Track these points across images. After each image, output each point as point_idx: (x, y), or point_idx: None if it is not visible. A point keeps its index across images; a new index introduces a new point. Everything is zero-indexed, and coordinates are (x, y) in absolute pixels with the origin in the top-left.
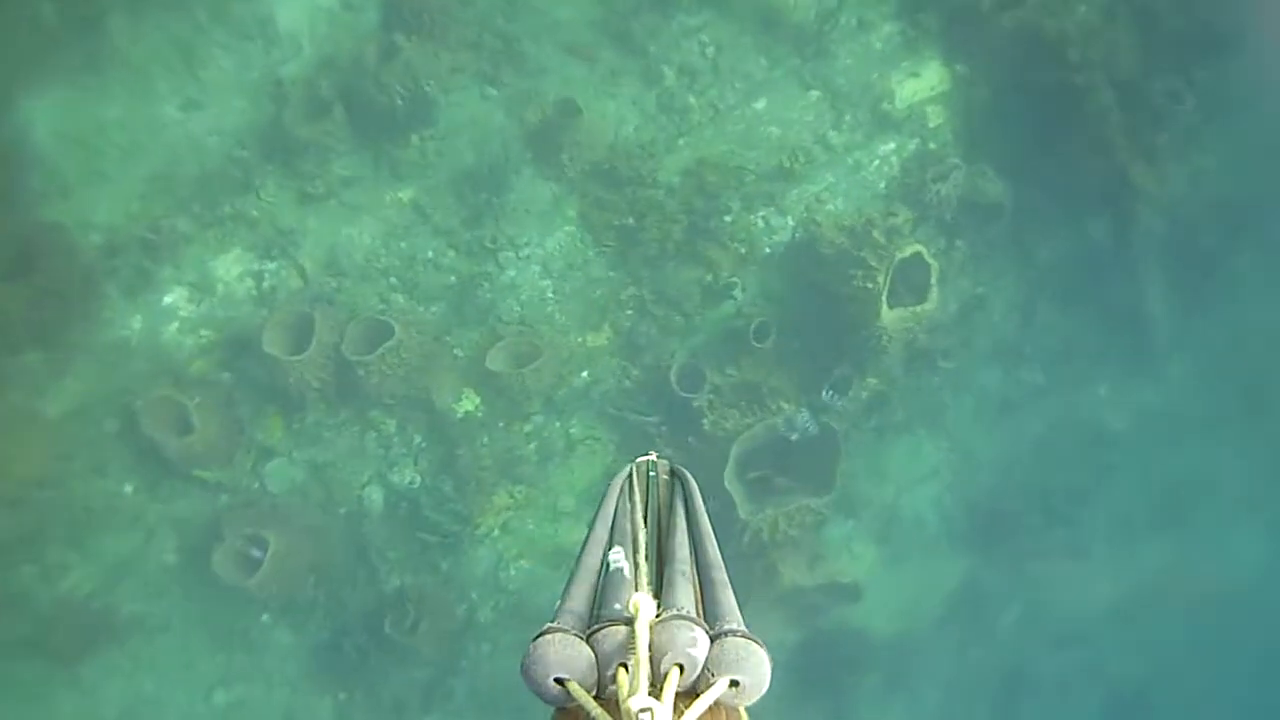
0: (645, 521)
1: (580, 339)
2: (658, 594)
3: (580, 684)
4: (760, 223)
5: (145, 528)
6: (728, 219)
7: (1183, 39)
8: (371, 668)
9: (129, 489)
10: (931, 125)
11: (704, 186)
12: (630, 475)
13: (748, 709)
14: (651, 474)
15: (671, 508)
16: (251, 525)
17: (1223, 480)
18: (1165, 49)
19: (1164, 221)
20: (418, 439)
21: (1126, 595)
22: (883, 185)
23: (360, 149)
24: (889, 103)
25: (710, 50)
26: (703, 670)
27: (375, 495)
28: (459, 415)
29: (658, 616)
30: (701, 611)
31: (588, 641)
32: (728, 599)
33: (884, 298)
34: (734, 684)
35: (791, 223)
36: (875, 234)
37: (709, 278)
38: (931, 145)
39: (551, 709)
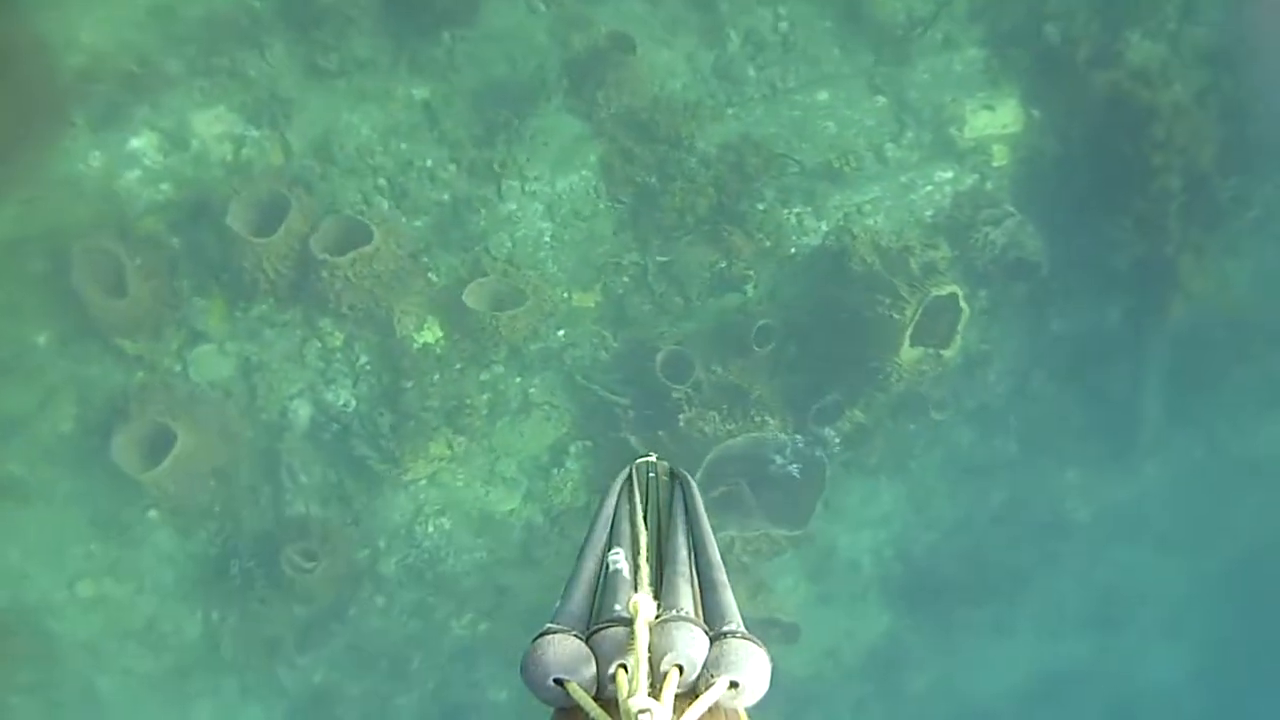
0: (645, 522)
1: (566, 294)
2: (657, 595)
3: (579, 685)
4: (793, 219)
5: (47, 386)
6: (760, 207)
7: (1265, 145)
8: (253, 594)
9: (41, 340)
10: (995, 164)
11: (742, 166)
12: (630, 476)
13: (747, 710)
14: (651, 475)
15: (671, 509)
16: (162, 411)
17: (1159, 594)
18: (1245, 150)
19: (1185, 324)
20: (364, 360)
21: (1038, 686)
22: (930, 214)
23: (385, 33)
24: (956, 129)
25: (784, 25)
26: (702, 671)
27: (302, 410)
28: (416, 345)
29: (657, 617)
30: (701, 612)
31: (587, 642)
32: (728, 600)
33: (909, 333)
34: (733, 685)
35: (826, 227)
36: (912, 263)
37: (723, 264)
38: (989, 185)
39: (551, 710)
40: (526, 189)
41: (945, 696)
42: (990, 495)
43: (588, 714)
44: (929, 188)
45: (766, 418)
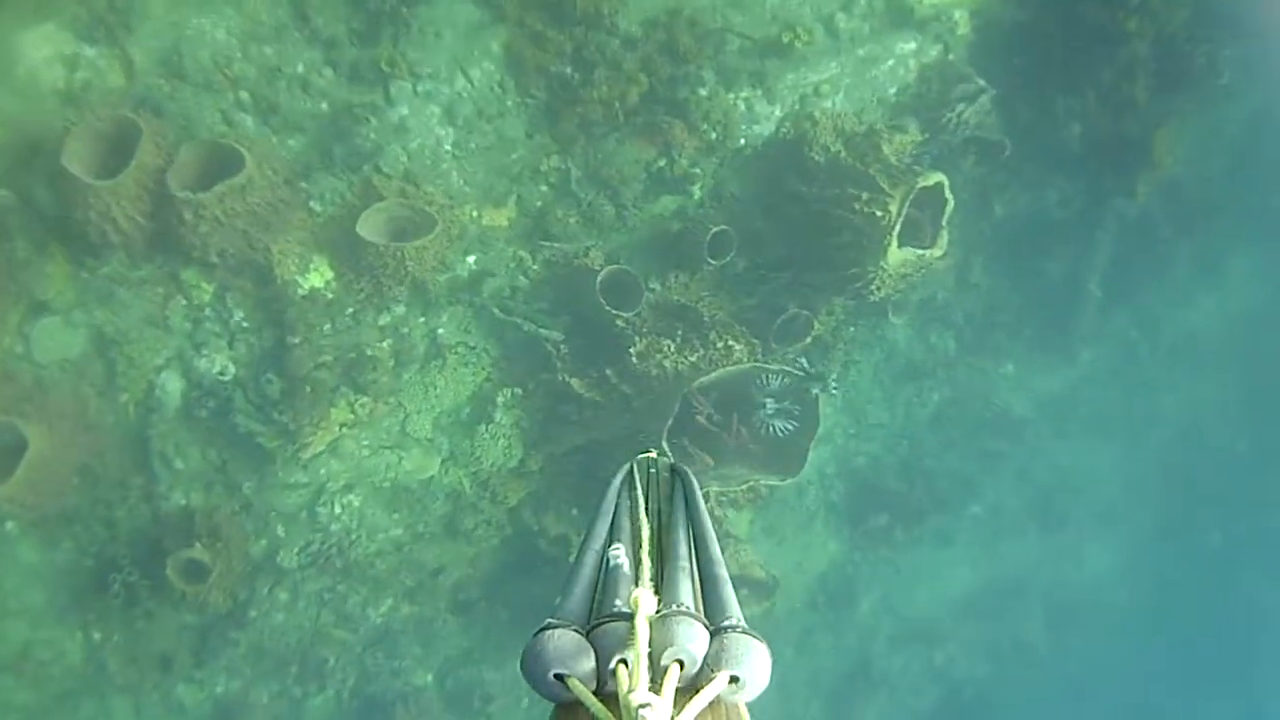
0: (645, 517)
1: (475, 213)
2: (658, 590)
3: (580, 680)
4: (740, 105)
5: None
6: (701, 92)
7: (1239, 9)
8: (137, 604)
9: None
10: (960, 33)
11: (674, 46)
12: (631, 471)
13: (748, 705)
14: (652, 470)
15: (672, 504)
16: (6, 406)
17: (1094, 487)
18: (1219, 14)
19: (1136, 204)
20: (239, 315)
21: (979, 595)
22: (894, 91)
23: None
24: None
25: None
26: (703, 666)
27: (172, 384)
28: (302, 291)
29: (658, 612)
30: (702, 607)
31: (588, 637)
32: (728, 595)
33: (895, 233)
34: (734, 680)
35: (779, 112)
36: (885, 149)
37: (662, 163)
38: (951, 56)
39: (553, 705)
40: (420, 90)
41: (888, 616)
42: (928, 397)
43: (588, 709)
44: (890, 62)
45: (730, 342)
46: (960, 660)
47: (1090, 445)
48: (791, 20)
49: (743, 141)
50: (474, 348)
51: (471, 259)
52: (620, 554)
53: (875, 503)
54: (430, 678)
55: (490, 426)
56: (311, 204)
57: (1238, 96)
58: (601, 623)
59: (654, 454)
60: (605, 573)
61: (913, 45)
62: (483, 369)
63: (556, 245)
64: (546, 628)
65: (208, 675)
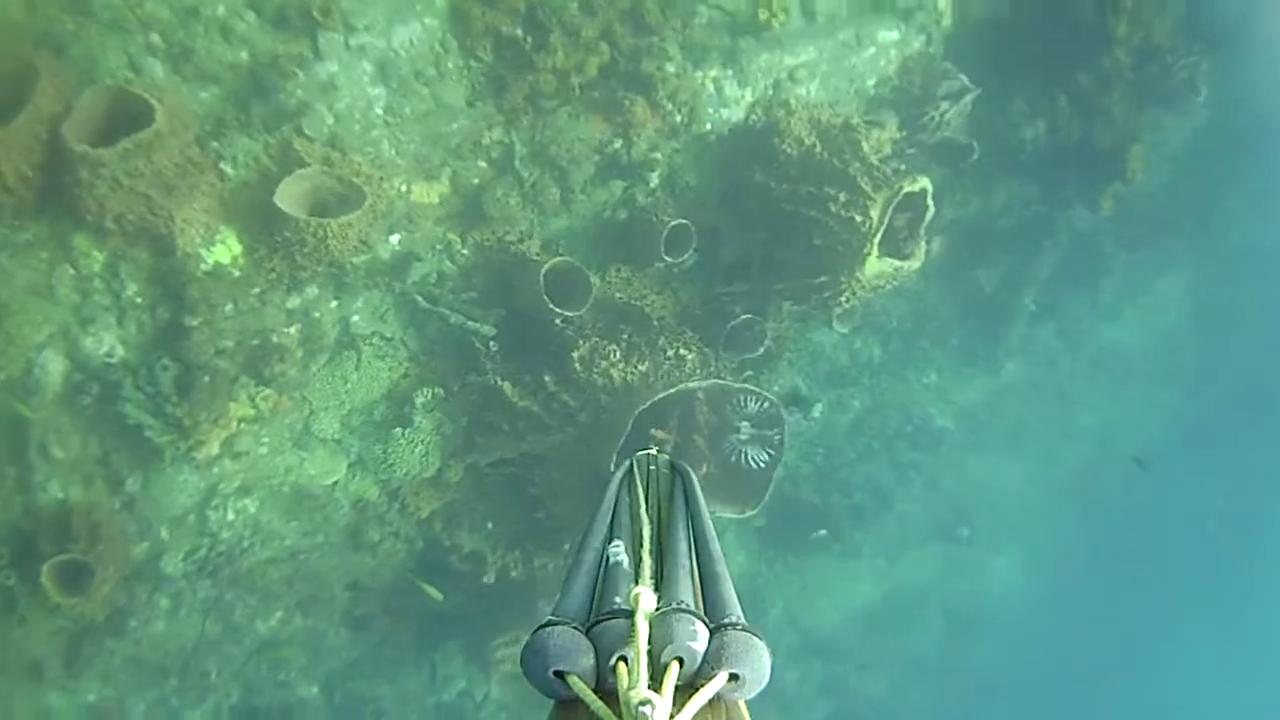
0: (646, 515)
1: (402, 187)
2: (658, 587)
3: (580, 677)
4: (709, 86)
5: None
6: (668, 68)
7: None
8: (12, 609)
9: None
10: (943, 24)
11: (639, 13)
12: (631, 469)
13: (747, 702)
14: (652, 468)
15: (672, 501)
16: None
17: (1003, 500)
18: (1202, 31)
19: (1094, 216)
20: (132, 289)
21: (881, 608)
22: (872, 83)
23: None
24: None
25: None
26: (703, 663)
27: (53, 364)
28: (206, 266)
29: (658, 609)
30: (702, 605)
31: (588, 635)
32: (728, 592)
33: (876, 241)
34: (734, 677)
35: (750, 97)
36: (864, 147)
37: (618, 144)
38: (932, 49)
39: (552, 702)
40: (352, 44)
41: (789, 630)
42: (849, 404)
43: (588, 706)
44: (871, 50)
45: (682, 351)
46: (855, 675)
47: (1004, 458)
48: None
49: (709, 126)
50: (390, 339)
51: (395, 239)
52: (620, 551)
53: (785, 514)
54: (317, 690)
55: (408, 431)
56: (223, 166)
57: (1209, 113)
58: (601, 620)
59: (654, 451)
60: (605, 570)
61: (895, 35)
62: (400, 364)
63: (450, 313)
64: (546, 625)
65: (81, 684)
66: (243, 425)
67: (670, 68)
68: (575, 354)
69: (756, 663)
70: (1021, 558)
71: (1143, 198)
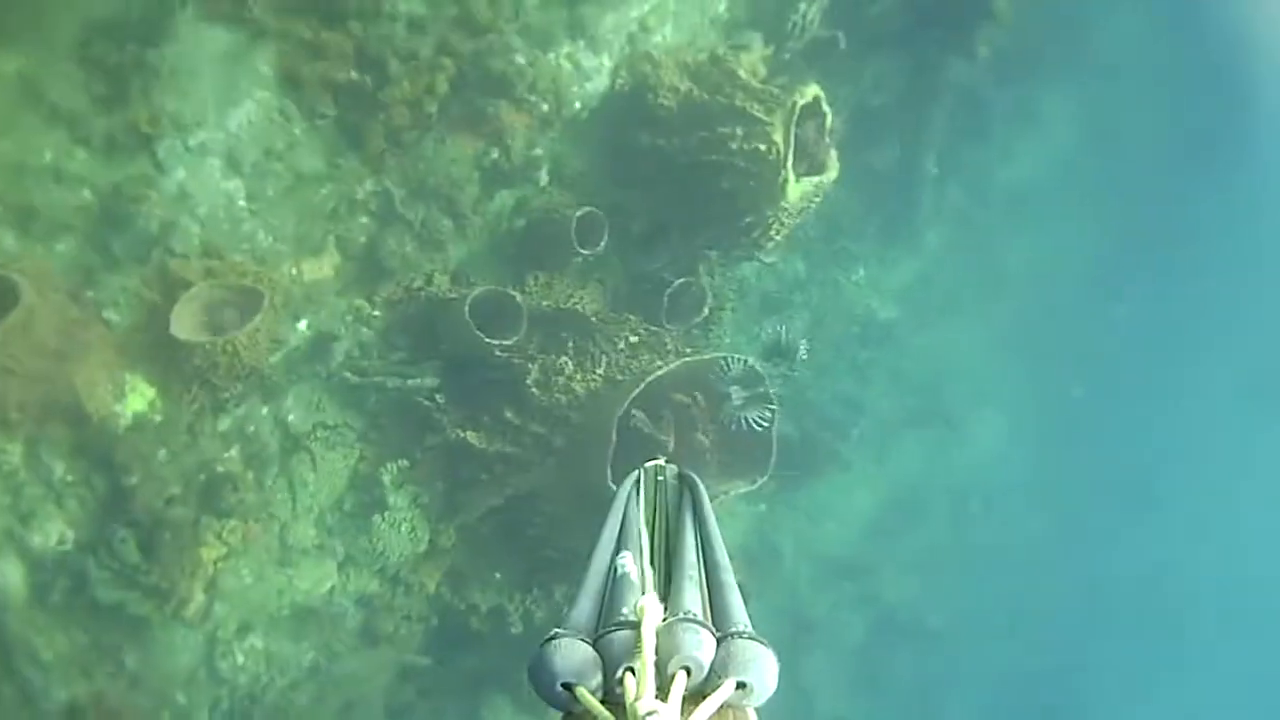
0: (653, 525)
1: (293, 271)
2: (664, 598)
3: (587, 689)
4: (565, 65)
5: None
6: (519, 60)
7: None
8: None
9: None
10: None
11: (469, 17)
12: (638, 480)
13: (756, 711)
14: (660, 479)
15: (679, 511)
16: None
17: (964, 370)
18: None
19: (974, 65)
20: (60, 470)
21: (885, 513)
22: (723, 7)
23: None
24: None
25: None
26: (710, 673)
27: (10, 572)
28: (125, 421)
29: (664, 620)
30: (709, 614)
31: (595, 646)
32: (735, 601)
33: (788, 166)
34: (741, 686)
35: (609, 62)
36: (741, 74)
37: (494, 154)
38: None
39: (560, 715)
40: (192, 144)
41: (807, 563)
42: (792, 327)
43: (596, 718)
44: None
45: (630, 337)
46: (881, 584)
47: (950, 329)
48: None
49: (578, 105)
50: (334, 426)
51: (303, 324)
52: (628, 562)
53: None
54: None
55: (387, 514)
56: (106, 314)
57: None
58: (608, 631)
59: (662, 461)
60: (612, 581)
61: None
62: (352, 449)
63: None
64: (554, 637)
65: None
66: (219, 565)
67: (520, 59)
68: (528, 380)
69: (763, 671)
70: (998, 420)
71: (1014, 31)
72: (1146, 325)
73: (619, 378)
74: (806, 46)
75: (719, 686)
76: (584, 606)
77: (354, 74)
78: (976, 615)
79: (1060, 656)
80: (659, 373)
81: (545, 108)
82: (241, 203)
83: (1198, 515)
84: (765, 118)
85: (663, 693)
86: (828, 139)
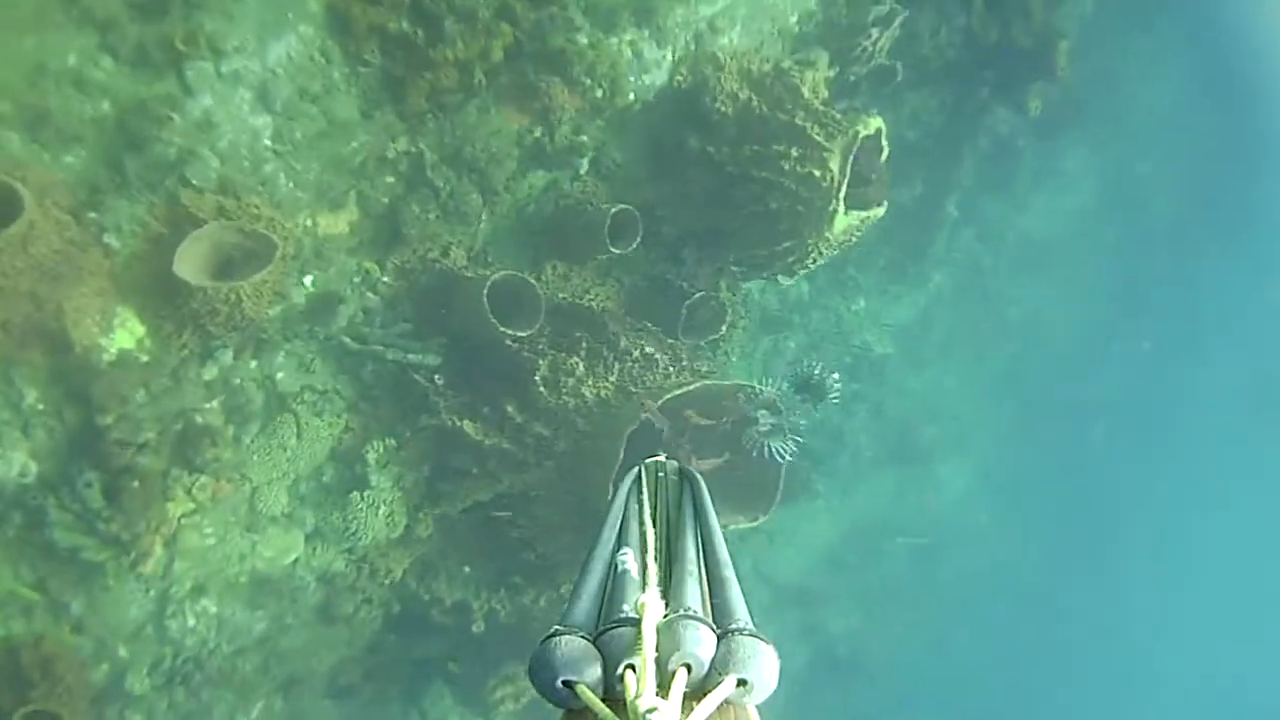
0: (653, 521)
1: (308, 222)
2: (665, 594)
3: (588, 686)
4: (626, 51)
5: None
6: (580, 40)
7: None
8: None
9: None
10: None
11: None
12: (639, 476)
13: (757, 707)
14: (660, 474)
15: (680, 507)
16: None
17: (944, 411)
18: None
19: (1025, 117)
20: (31, 396)
21: (846, 540)
22: (795, 19)
23: None
24: None
25: None
26: (710, 669)
27: None
28: (109, 356)
29: (665, 617)
30: (710, 610)
31: (595, 643)
32: (735, 597)
33: (839, 196)
34: (742, 683)
35: (671, 56)
36: (804, 92)
37: (538, 133)
38: None
39: (561, 712)
40: (225, 71)
41: (762, 586)
42: (784, 347)
43: (596, 715)
44: None
45: (647, 348)
46: (829, 616)
47: (942, 370)
48: None
49: (632, 96)
50: (324, 392)
51: (309, 280)
52: (628, 559)
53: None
54: None
55: (367, 494)
56: (107, 240)
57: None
58: (609, 628)
59: (662, 457)
60: (613, 578)
61: None
62: (339, 417)
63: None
64: (554, 634)
65: None
66: (183, 521)
67: (582, 38)
68: (536, 376)
69: (764, 667)
70: (970, 465)
71: (1066, 89)
72: (1135, 385)
73: (631, 389)
74: (870, 73)
75: (720, 683)
76: (584, 603)
77: (406, 25)
78: (917, 655)
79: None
80: (678, 391)
81: (599, 93)
82: (267, 141)
83: (1155, 577)
84: (824, 142)
85: (663, 690)
86: (883, 173)
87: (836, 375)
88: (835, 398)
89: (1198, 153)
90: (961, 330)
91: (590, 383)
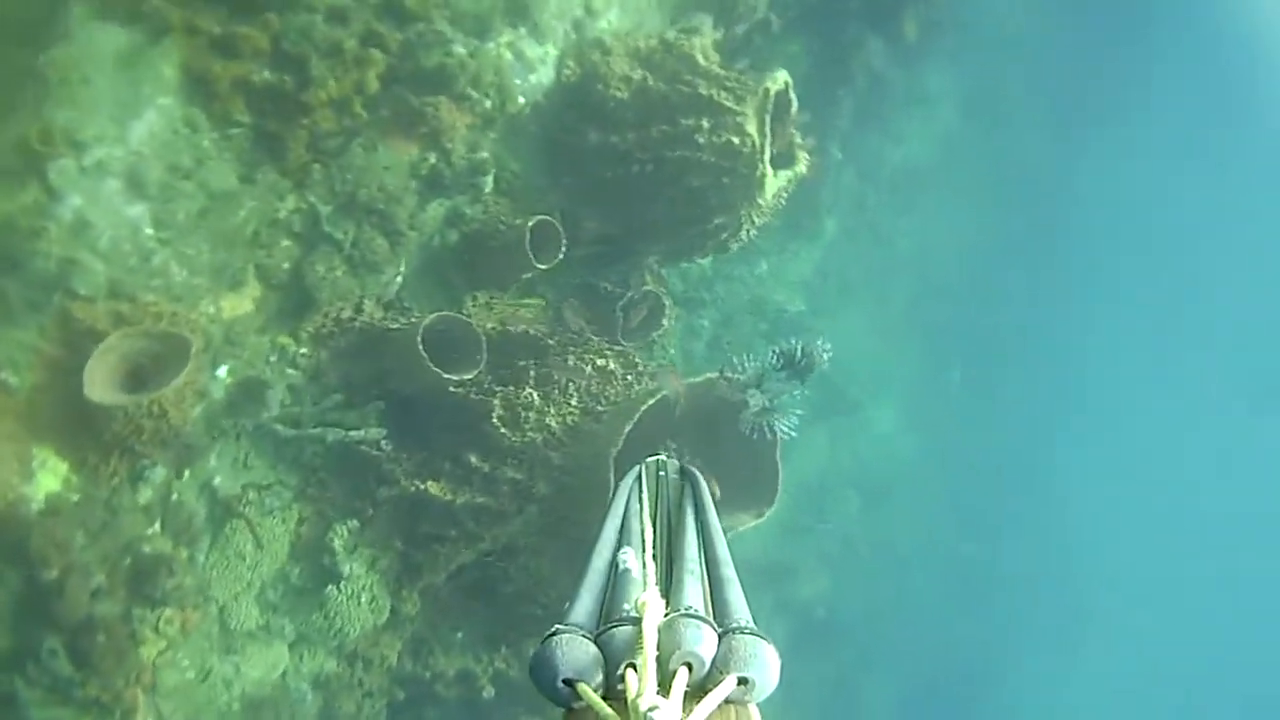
0: (654, 521)
1: (210, 308)
2: (666, 593)
3: (589, 685)
4: (507, 55)
5: None
6: (458, 51)
7: None
8: None
9: None
10: None
11: (393, 2)
12: (640, 475)
13: (758, 705)
14: (661, 474)
15: (680, 507)
16: None
17: (859, 356)
18: None
19: (903, 44)
20: None
21: (795, 505)
22: None
23: None
24: None
25: None
26: (711, 668)
27: None
28: (38, 505)
29: (666, 616)
30: (710, 609)
31: (596, 642)
32: (736, 596)
33: (765, 159)
34: (742, 681)
35: (554, 51)
36: (699, 60)
37: (432, 159)
38: None
39: (562, 711)
40: (88, 163)
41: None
42: (699, 326)
43: (597, 714)
44: None
45: (599, 361)
46: (797, 584)
47: (851, 316)
48: None
49: (522, 100)
50: (267, 486)
51: (223, 371)
52: (629, 558)
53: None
54: None
55: (343, 584)
56: (3, 377)
57: None
58: (610, 627)
59: (664, 456)
60: (614, 577)
61: None
62: (290, 511)
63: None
64: (555, 633)
65: None
66: (159, 661)
67: (458, 49)
68: (493, 417)
69: (765, 666)
70: (895, 405)
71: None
72: (1036, 298)
73: (598, 408)
74: (750, 29)
75: (720, 682)
76: (585, 603)
77: (270, 74)
78: (885, 603)
79: (966, 634)
80: (650, 402)
81: (488, 104)
82: (149, 230)
83: (1094, 488)
84: (735, 107)
85: (664, 688)
86: (793, 129)
87: (822, 341)
88: (825, 364)
89: (1060, 60)
90: (859, 273)
91: (552, 411)
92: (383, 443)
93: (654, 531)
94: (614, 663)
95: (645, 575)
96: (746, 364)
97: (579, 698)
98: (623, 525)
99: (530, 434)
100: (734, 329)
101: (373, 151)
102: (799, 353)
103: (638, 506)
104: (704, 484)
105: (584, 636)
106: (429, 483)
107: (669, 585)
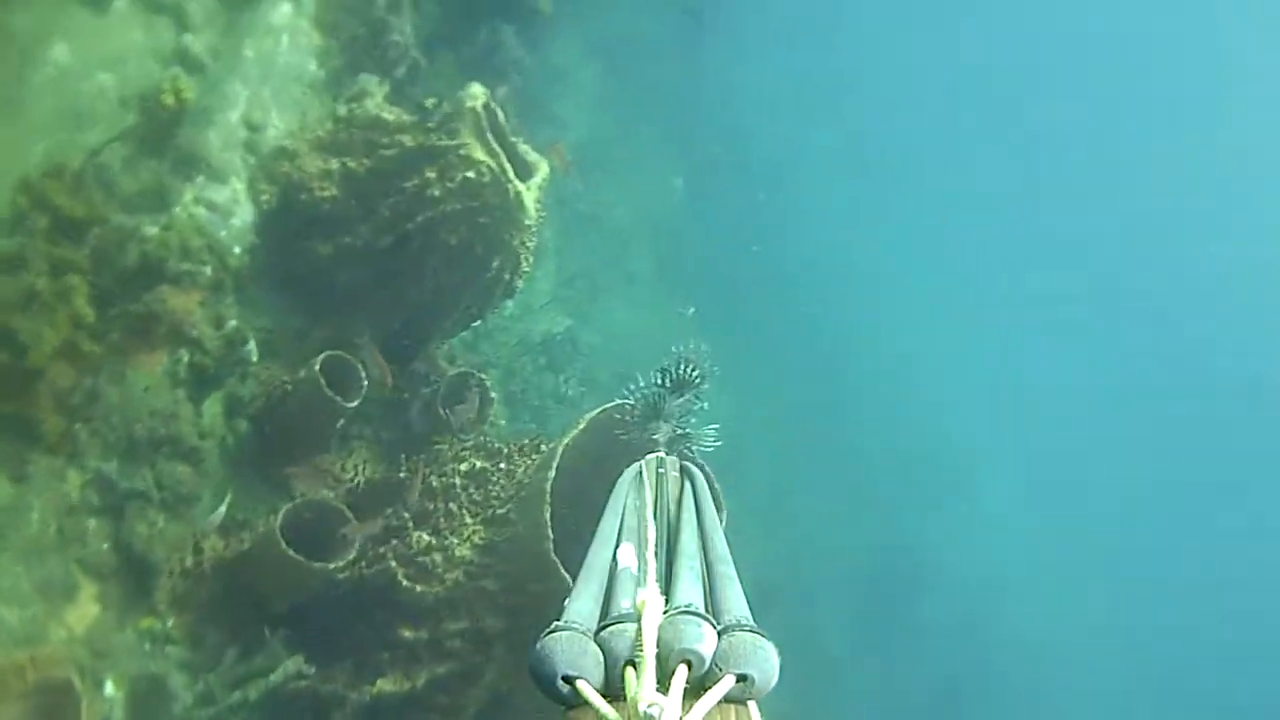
0: (654, 517)
1: (61, 632)
2: (665, 590)
3: (589, 682)
4: (199, 210)
5: None
6: (150, 233)
7: None
8: None
9: None
10: None
11: (58, 215)
12: (640, 472)
13: (758, 703)
14: (661, 470)
15: (680, 503)
16: None
17: (634, 324)
18: None
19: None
20: None
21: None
22: (313, 65)
23: None
24: None
25: None
26: (711, 666)
27: None
28: None
29: (665, 613)
30: (710, 606)
31: (596, 640)
32: (735, 593)
33: (511, 176)
34: (742, 679)
35: (240, 181)
36: (386, 117)
37: (186, 355)
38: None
39: (562, 708)
40: None
41: None
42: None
43: (597, 711)
44: (281, 38)
45: (464, 465)
46: (743, 553)
47: (608, 308)
48: (141, 85)
49: (236, 249)
50: None
51: (109, 687)
52: (628, 555)
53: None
54: None
55: None
56: None
57: None
58: (609, 624)
59: (663, 454)
60: (613, 574)
61: (287, 8)
62: None
63: None
64: (554, 630)
65: None
66: None
67: (151, 230)
68: (400, 580)
69: (764, 663)
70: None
71: None
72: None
73: (497, 511)
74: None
75: (720, 679)
76: (584, 599)
77: None
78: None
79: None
80: (550, 475)
81: (208, 270)
82: None
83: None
84: (450, 142)
85: (664, 686)
86: (512, 136)
87: (689, 354)
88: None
89: None
90: (598, 262)
91: (454, 541)
92: (304, 668)
93: (654, 528)
94: (613, 660)
95: (644, 572)
96: (632, 398)
97: (579, 695)
98: (622, 522)
99: (448, 576)
100: (520, 378)
101: (123, 381)
102: (679, 366)
103: (637, 503)
104: (703, 481)
105: (583, 634)
106: (378, 682)
107: (668, 582)
